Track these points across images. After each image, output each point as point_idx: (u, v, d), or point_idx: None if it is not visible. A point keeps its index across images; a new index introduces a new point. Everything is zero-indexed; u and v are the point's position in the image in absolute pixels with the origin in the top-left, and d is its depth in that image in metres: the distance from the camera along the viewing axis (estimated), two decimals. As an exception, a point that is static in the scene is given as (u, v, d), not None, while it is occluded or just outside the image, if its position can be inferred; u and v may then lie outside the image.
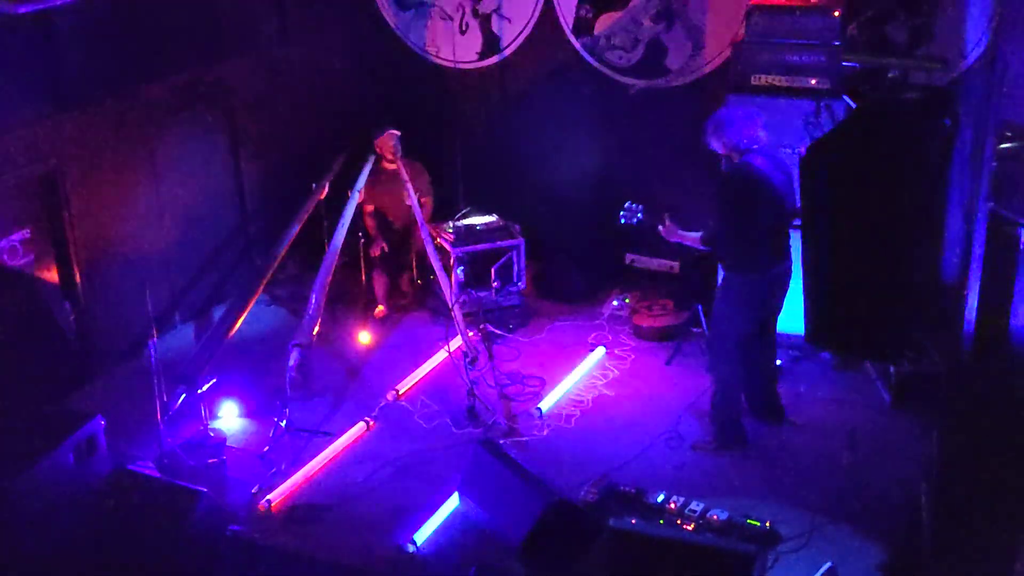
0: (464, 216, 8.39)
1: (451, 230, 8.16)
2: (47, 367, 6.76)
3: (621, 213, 6.53)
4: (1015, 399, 5.53)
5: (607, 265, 8.61)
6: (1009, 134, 5.54)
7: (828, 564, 5.30)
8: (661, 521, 5.70)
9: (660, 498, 5.85)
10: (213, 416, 6.70)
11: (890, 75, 6.68)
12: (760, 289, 6.23)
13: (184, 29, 7.64)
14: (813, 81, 6.85)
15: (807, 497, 5.97)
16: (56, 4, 6.29)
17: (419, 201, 7.97)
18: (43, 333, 6.73)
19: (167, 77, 7.54)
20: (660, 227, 6.38)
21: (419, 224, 7.84)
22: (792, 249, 6.21)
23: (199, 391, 6.61)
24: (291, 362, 6.95)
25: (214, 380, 6.74)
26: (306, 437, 6.64)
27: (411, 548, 5.72)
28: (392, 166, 8.12)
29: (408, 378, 7.33)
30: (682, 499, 5.82)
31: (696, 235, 6.28)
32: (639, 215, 6.49)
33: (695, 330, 7.69)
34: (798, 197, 5.74)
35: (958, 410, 5.92)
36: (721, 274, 6.40)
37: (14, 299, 6.63)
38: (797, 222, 5.93)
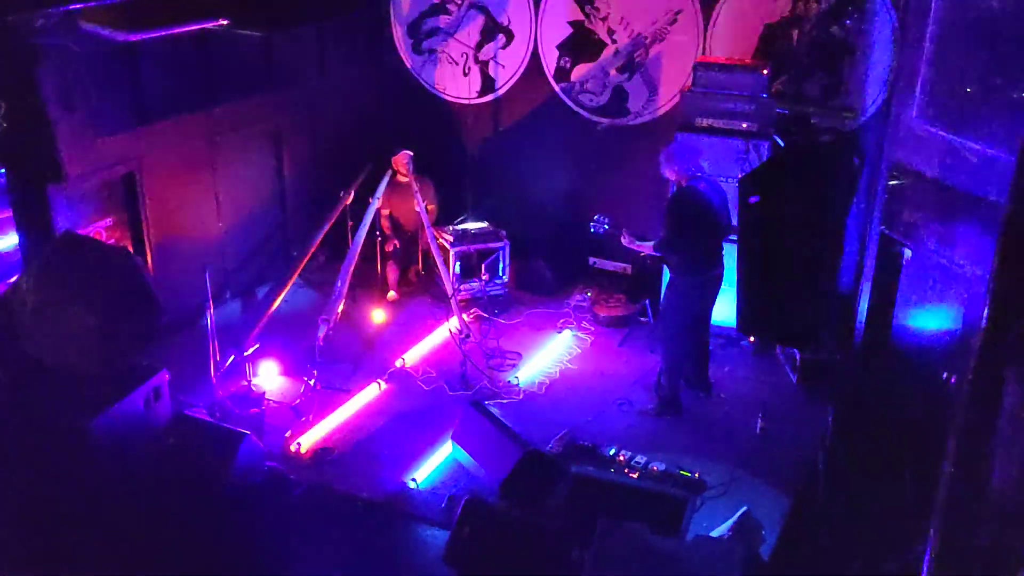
0: (462, 222, 8.37)
1: (451, 232, 8.14)
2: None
3: (591, 224, 6.54)
4: (893, 384, 5.59)
5: (574, 265, 8.60)
6: (896, 173, 5.57)
7: (744, 508, 5.35)
8: (612, 469, 5.73)
9: (612, 451, 5.88)
10: (255, 374, 6.67)
11: (812, 121, 6.69)
12: (697, 289, 6.25)
13: (245, 62, 7.60)
14: (744, 125, 6.88)
15: (728, 455, 6.02)
16: (153, 36, 6.19)
17: (426, 208, 7.94)
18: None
19: (229, 101, 7.48)
20: (621, 237, 6.40)
21: (425, 227, 7.81)
22: (726, 258, 6.24)
23: (245, 354, 6.59)
24: (319, 333, 6.95)
25: (257, 345, 6.72)
26: (330, 393, 6.63)
27: (412, 484, 5.74)
28: (405, 179, 8.08)
29: (413, 349, 7.31)
30: (629, 453, 5.85)
31: (649, 244, 6.29)
32: (605, 225, 6.50)
33: (642, 319, 7.72)
34: (734, 216, 5.75)
35: (849, 391, 5.99)
36: (668, 276, 6.43)
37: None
38: (733, 237, 5.96)
